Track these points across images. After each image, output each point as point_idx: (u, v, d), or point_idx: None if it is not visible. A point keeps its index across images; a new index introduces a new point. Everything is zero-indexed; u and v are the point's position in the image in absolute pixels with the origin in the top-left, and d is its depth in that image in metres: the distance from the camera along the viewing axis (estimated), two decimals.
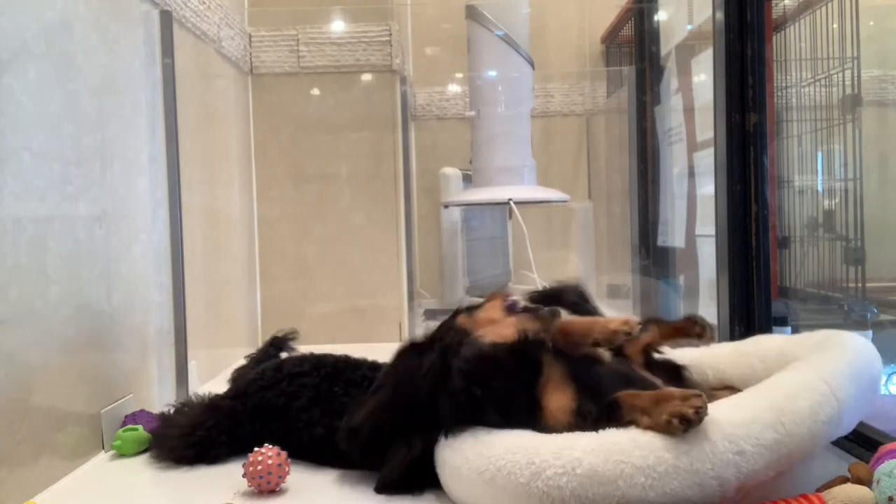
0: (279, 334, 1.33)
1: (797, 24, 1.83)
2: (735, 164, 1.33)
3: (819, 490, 0.76)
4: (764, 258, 1.31)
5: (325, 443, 0.95)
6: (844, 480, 0.77)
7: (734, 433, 0.72)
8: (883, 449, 0.81)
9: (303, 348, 1.25)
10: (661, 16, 2.04)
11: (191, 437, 1.02)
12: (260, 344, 1.36)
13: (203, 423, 1.03)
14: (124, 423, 1.10)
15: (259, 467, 0.88)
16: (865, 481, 0.75)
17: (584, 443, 0.75)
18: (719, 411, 0.75)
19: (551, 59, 2.71)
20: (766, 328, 1.32)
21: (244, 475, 0.89)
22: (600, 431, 0.76)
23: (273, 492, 0.89)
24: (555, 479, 0.72)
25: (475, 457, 0.79)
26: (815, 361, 0.85)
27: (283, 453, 0.90)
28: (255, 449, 0.90)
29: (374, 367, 1.05)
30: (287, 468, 0.91)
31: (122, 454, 1.06)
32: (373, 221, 2.00)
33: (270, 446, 0.91)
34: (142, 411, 1.13)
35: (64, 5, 1.03)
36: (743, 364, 1.03)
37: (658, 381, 0.92)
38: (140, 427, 1.08)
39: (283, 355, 1.24)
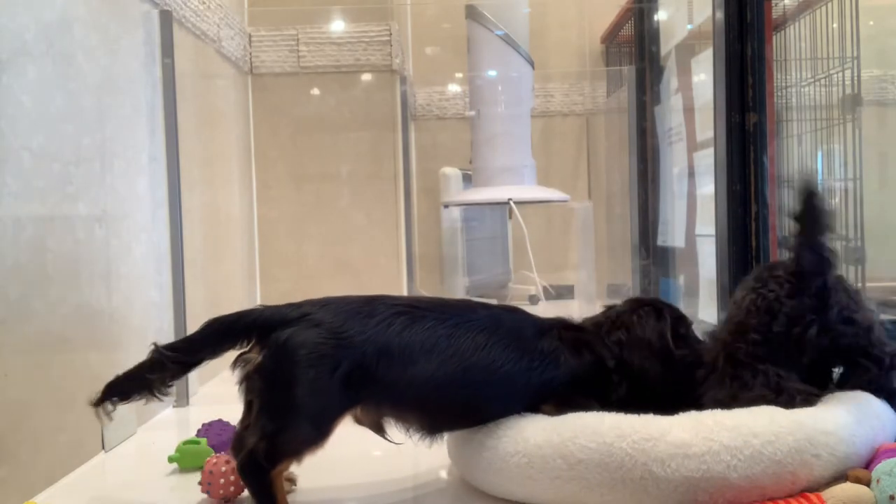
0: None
1: (797, 24, 1.83)
2: (735, 164, 1.33)
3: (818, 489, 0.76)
4: (764, 258, 1.31)
5: None
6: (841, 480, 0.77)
7: (816, 438, 0.76)
8: (880, 448, 0.81)
9: None
10: (660, 16, 2.04)
11: None
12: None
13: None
14: (198, 433, 1.02)
15: (212, 473, 0.85)
16: (863, 481, 0.75)
17: (671, 418, 0.78)
18: (807, 415, 0.78)
19: (551, 59, 2.70)
20: None
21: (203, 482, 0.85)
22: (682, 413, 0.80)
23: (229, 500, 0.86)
24: (640, 444, 0.75)
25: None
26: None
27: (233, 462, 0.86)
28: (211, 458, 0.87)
29: None
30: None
31: (181, 467, 0.98)
32: (373, 221, 2.00)
33: (222, 455, 0.87)
34: (218, 421, 1.03)
35: (64, 5, 1.03)
36: None
37: None
38: (203, 441, 0.99)
39: None
